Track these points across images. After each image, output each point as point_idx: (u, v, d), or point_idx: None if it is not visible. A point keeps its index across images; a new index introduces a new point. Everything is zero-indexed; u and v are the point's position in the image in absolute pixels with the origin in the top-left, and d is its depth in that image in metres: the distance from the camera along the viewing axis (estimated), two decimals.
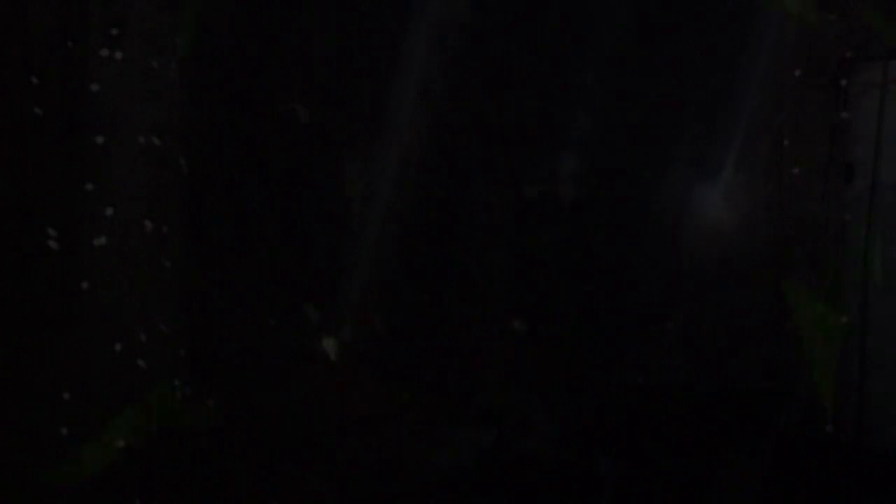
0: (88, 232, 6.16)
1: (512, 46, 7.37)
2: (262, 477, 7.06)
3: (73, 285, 6.13)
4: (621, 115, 7.28)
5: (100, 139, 6.19)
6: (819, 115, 6.18)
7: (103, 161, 6.21)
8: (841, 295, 6.20)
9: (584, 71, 7.37)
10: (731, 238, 6.82)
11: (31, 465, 6.05)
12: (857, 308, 6.27)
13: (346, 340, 7.28)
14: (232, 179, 7.18)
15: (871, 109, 6.04)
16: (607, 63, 7.34)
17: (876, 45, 6.10)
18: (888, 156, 5.90)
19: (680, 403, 7.12)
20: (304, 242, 7.84)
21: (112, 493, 6.12)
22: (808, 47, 6.31)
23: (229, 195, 7.17)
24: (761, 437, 6.57)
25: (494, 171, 7.35)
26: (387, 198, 7.18)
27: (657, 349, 7.33)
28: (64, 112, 6.12)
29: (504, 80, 7.42)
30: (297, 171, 7.26)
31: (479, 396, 7.68)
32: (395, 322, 7.47)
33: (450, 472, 7.33)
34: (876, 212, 5.87)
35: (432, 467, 7.27)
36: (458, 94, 7.25)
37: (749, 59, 6.52)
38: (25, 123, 6.13)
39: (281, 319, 7.57)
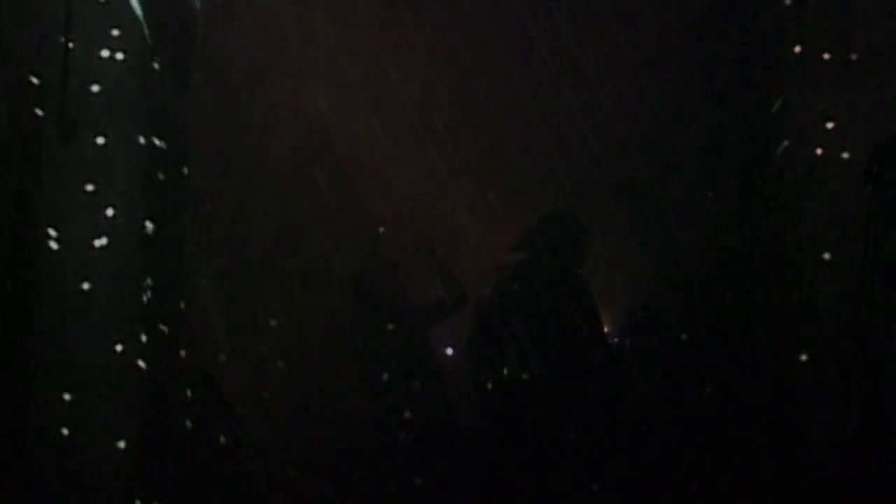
0: (88, 232, 6.16)
1: None
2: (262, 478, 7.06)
3: (73, 285, 6.13)
4: None
5: (100, 139, 6.19)
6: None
7: (103, 161, 6.20)
8: None
9: None
10: None
11: (31, 465, 6.05)
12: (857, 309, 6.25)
13: None
14: None
15: None
16: None
17: None
18: None
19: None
20: None
21: (112, 493, 6.11)
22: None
23: None
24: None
25: None
26: None
27: None
28: (64, 112, 6.10)
29: None
30: None
31: None
32: None
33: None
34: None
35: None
36: None
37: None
38: (25, 123, 6.13)
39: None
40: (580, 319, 7.55)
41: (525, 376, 7.56)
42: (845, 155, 6.47)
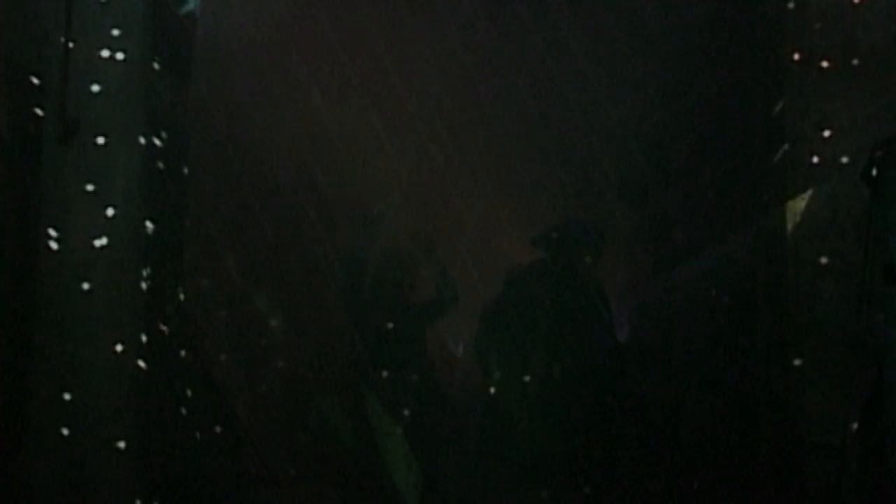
0: (88, 232, 6.15)
1: None
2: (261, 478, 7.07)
3: (73, 285, 6.13)
4: None
5: (100, 139, 6.19)
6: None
7: (103, 161, 6.20)
8: None
9: None
10: None
11: (31, 465, 6.06)
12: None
13: None
14: None
15: None
16: None
17: None
18: None
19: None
20: None
21: (112, 493, 6.11)
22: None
23: None
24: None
25: None
26: None
27: None
28: (64, 112, 6.10)
29: None
30: None
31: None
32: None
33: None
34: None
35: None
36: None
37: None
38: (26, 123, 6.13)
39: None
40: (591, 321, 7.56)
41: (530, 378, 7.57)
42: (844, 159, 6.47)
